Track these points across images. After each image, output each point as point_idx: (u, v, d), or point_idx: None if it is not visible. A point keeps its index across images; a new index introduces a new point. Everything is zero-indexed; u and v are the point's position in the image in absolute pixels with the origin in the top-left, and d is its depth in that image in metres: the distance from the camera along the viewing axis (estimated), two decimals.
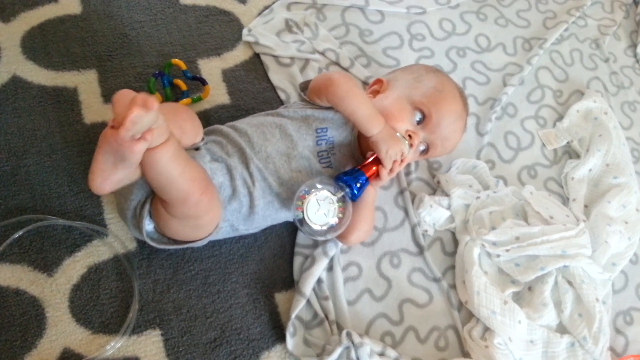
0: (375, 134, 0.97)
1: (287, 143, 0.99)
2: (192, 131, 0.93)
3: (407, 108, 1.04)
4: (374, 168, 0.99)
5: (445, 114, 1.05)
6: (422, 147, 1.08)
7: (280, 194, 0.97)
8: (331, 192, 0.94)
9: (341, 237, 1.03)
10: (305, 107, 1.05)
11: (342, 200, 0.95)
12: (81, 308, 0.93)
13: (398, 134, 1.00)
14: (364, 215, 1.02)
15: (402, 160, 1.00)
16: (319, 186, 0.94)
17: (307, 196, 0.93)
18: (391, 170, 0.99)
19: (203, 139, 0.99)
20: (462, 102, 1.10)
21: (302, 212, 0.93)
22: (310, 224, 0.93)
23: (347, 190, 0.95)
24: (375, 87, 1.11)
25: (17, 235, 0.95)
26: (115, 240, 0.99)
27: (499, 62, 1.43)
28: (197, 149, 0.96)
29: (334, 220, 0.94)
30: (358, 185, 0.96)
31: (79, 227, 0.98)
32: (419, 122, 1.05)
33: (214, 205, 0.89)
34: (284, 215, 1.00)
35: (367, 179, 0.97)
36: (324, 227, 0.94)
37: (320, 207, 0.93)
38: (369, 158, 1.00)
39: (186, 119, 0.92)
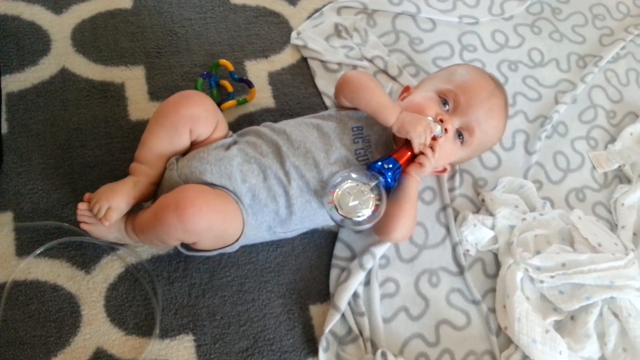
0: (395, 120, 0.96)
1: (325, 140, 0.98)
2: (222, 122, 0.98)
3: (433, 96, 1.03)
4: (408, 153, 0.96)
5: (473, 93, 1.03)
6: (458, 134, 1.04)
7: (318, 191, 0.95)
8: (363, 182, 0.92)
9: (384, 234, 1.01)
10: (339, 110, 1.05)
11: (376, 188, 0.92)
12: (116, 308, 0.93)
13: (429, 118, 0.98)
14: (406, 209, 0.99)
15: (434, 140, 0.97)
16: (354, 175, 0.92)
17: (337, 188, 0.91)
18: (425, 152, 0.96)
19: (232, 135, 0.99)
20: (493, 82, 1.07)
21: (335, 205, 0.91)
22: (344, 215, 0.91)
23: (381, 178, 0.93)
24: (404, 95, 1.10)
25: (52, 244, 0.94)
26: None
27: (552, 78, 1.38)
28: (228, 147, 0.95)
29: (367, 212, 0.91)
30: (390, 171, 0.93)
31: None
32: (449, 110, 1.02)
33: (206, 207, 0.85)
34: (322, 218, 0.98)
35: (399, 165, 0.95)
36: (359, 218, 0.91)
37: (353, 198, 0.91)
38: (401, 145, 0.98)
39: (220, 112, 0.99)
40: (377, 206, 0.92)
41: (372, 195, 0.91)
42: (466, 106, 1.02)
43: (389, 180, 0.94)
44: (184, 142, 0.94)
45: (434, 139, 0.97)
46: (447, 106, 1.03)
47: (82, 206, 0.91)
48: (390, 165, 0.94)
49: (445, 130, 0.99)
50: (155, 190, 0.96)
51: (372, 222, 0.93)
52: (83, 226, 0.92)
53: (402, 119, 0.96)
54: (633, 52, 1.49)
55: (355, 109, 1.03)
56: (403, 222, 0.99)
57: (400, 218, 0.98)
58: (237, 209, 0.91)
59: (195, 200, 0.84)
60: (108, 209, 0.89)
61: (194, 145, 0.96)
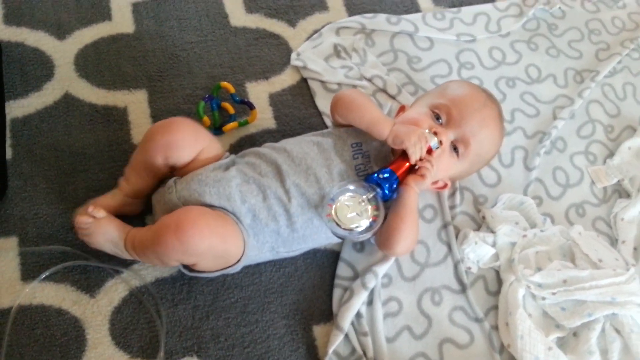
0: (388, 133, 0.98)
1: (325, 156, 1.00)
2: (211, 147, 0.99)
3: (427, 111, 1.04)
4: (405, 165, 0.97)
5: (465, 105, 1.04)
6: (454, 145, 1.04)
7: (319, 208, 0.96)
8: (360, 194, 0.93)
9: (387, 248, 1.01)
10: (338, 128, 1.07)
11: (373, 199, 0.93)
12: (121, 331, 0.94)
13: (426, 131, 0.99)
14: (406, 221, 0.99)
15: (430, 152, 0.98)
16: (351, 187, 0.94)
17: (335, 201, 0.93)
18: (422, 161, 0.97)
19: (228, 155, 1.01)
20: (485, 94, 1.09)
21: (333, 217, 0.92)
22: (342, 227, 0.92)
23: (378, 189, 0.94)
24: (400, 114, 1.11)
25: (57, 268, 0.96)
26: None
27: (550, 94, 1.39)
28: (226, 168, 0.97)
29: (365, 223, 0.92)
30: (387, 182, 0.95)
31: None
32: (442, 123, 1.04)
33: (206, 229, 0.86)
34: (325, 235, 0.99)
35: (396, 176, 0.96)
36: (358, 229, 0.92)
37: (351, 209, 0.92)
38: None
39: (208, 138, 1.00)
40: (375, 217, 0.93)
41: (369, 207, 0.93)
42: (459, 118, 1.03)
43: (386, 191, 0.95)
44: (159, 167, 0.96)
45: (430, 151, 0.99)
46: (440, 120, 1.04)
47: (79, 219, 0.94)
48: (387, 176, 0.95)
49: (441, 142, 1.00)
50: (138, 207, 1.01)
51: (371, 232, 0.94)
52: (81, 235, 0.95)
53: (396, 130, 0.98)
54: (629, 66, 1.51)
55: (352, 126, 1.05)
56: (405, 235, 1.00)
57: (402, 230, 0.99)
58: (238, 230, 0.92)
59: (195, 222, 0.85)
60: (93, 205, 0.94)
61: (178, 170, 0.98)
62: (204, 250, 0.87)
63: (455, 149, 1.04)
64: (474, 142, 1.04)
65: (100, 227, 0.93)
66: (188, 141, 0.96)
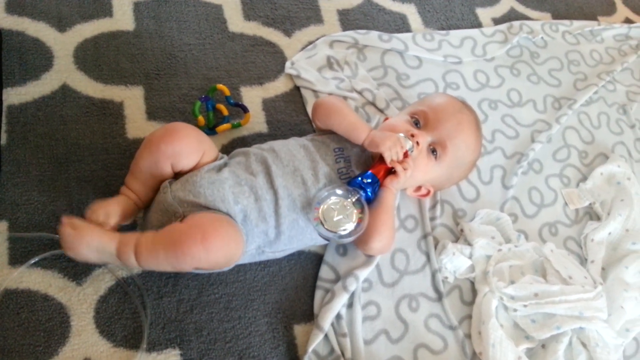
0: (365, 137, 1.03)
1: (311, 158, 1.03)
2: (210, 149, 1.01)
3: (406, 118, 1.11)
4: (384, 168, 1.02)
5: (441, 109, 1.10)
6: (431, 148, 1.09)
7: (305, 209, 0.99)
8: (345, 197, 0.97)
9: (363, 244, 1.05)
10: (321, 134, 1.11)
11: (358, 203, 0.98)
12: (106, 320, 0.95)
13: (401, 135, 1.04)
14: (384, 220, 1.03)
15: (406, 155, 1.03)
16: (337, 192, 0.98)
17: (322, 205, 0.96)
18: (399, 164, 1.01)
19: (222, 157, 1.03)
20: (461, 103, 1.15)
21: (320, 220, 0.96)
22: (329, 229, 0.96)
23: (362, 192, 0.99)
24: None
25: (46, 255, 0.96)
26: None
27: (529, 118, 1.46)
28: (219, 170, 0.99)
29: (350, 225, 0.96)
30: (369, 185, 1.00)
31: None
32: (420, 127, 1.09)
33: (227, 237, 0.90)
34: (310, 237, 1.02)
35: (378, 179, 1.00)
36: (344, 232, 0.96)
37: (337, 213, 0.96)
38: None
39: (208, 141, 1.02)
40: (360, 219, 0.97)
41: (354, 210, 0.97)
42: (435, 121, 1.09)
43: (370, 194, 1.00)
44: (166, 174, 0.97)
45: (406, 155, 1.03)
46: (419, 125, 1.10)
47: (61, 231, 0.89)
48: (369, 180, 1.00)
49: (417, 143, 1.05)
50: (136, 212, 1.00)
51: (356, 234, 0.97)
52: (64, 249, 0.90)
53: (372, 135, 1.03)
54: (604, 97, 1.58)
55: (333, 132, 1.09)
56: (380, 232, 1.03)
57: (377, 228, 1.02)
58: (240, 234, 0.94)
59: (220, 233, 0.89)
60: (105, 215, 0.93)
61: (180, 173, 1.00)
62: (224, 260, 0.91)
63: (434, 152, 1.09)
64: (450, 145, 1.09)
65: (82, 236, 0.89)
66: (193, 147, 0.97)
